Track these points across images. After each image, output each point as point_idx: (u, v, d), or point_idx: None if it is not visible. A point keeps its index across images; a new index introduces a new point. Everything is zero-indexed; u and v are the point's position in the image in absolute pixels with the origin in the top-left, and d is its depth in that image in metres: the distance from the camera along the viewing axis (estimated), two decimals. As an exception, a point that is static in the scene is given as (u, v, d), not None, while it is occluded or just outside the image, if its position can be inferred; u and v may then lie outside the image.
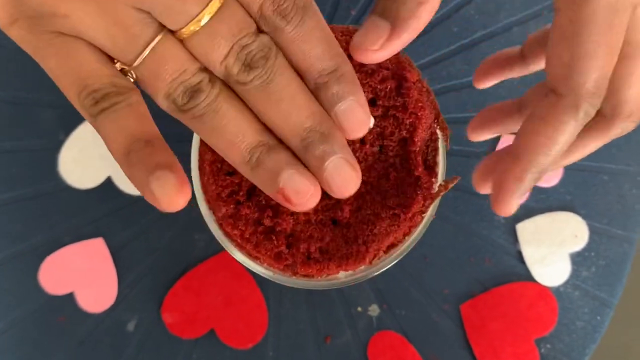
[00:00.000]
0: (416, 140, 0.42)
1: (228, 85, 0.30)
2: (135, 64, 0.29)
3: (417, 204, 0.42)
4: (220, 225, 0.44)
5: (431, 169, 0.43)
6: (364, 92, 0.42)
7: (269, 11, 0.28)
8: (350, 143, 0.43)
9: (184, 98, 0.29)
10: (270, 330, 0.57)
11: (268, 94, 0.29)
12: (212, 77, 0.29)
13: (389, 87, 0.42)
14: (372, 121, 0.33)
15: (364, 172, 0.43)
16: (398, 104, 0.42)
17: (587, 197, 0.59)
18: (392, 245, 0.44)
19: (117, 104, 0.29)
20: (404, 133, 0.42)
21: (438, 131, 0.43)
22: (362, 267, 0.44)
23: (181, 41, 0.29)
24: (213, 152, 0.42)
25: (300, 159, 0.30)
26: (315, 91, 0.30)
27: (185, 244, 0.58)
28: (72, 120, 0.58)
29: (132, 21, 0.28)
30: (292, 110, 0.29)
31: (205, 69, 0.29)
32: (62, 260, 0.57)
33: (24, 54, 0.57)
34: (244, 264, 0.44)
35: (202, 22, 0.28)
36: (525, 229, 0.59)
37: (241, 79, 0.29)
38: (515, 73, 0.44)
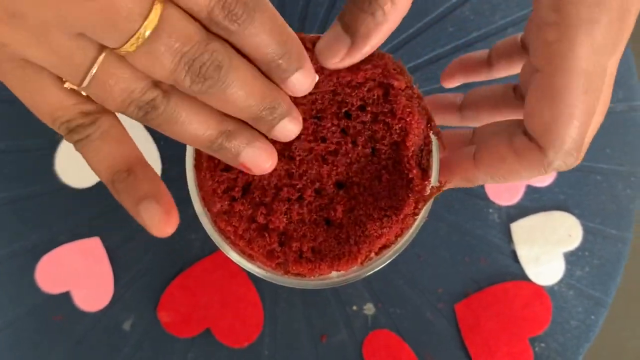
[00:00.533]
0: (409, 144, 0.43)
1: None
2: (83, 86, 0.29)
3: (408, 206, 0.43)
4: (215, 222, 0.44)
5: (424, 171, 0.43)
6: (354, 101, 0.43)
7: (219, 17, 0.28)
8: (343, 144, 0.43)
9: (139, 113, 0.29)
10: (265, 329, 0.58)
11: (225, 95, 0.29)
12: (166, 88, 0.29)
13: (376, 94, 0.42)
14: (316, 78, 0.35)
15: (357, 173, 0.43)
16: (386, 110, 0.42)
17: (580, 196, 0.60)
18: (384, 247, 0.44)
19: (90, 135, 0.30)
20: (395, 137, 0.43)
21: (432, 135, 0.43)
22: (354, 268, 0.44)
23: (124, 58, 0.28)
24: None
25: (256, 128, 0.33)
26: (267, 72, 0.31)
27: (181, 244, 0.58)
28: (68, 120, 0.58)
29: (70, 49, 0.27)
30: (248, 101, 0.30)
31: (155, 84, 0.29)
32: (58, 260, 0.57)
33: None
34: (238, 263, 0.44)
35: (142, 39, 0.27)
36: (520, 229, 0.59)
37: (195, 89, 0.29)
38: (481, 77, 0.45)
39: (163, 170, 0.58)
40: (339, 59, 0.36)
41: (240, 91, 0.30)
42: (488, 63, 0.44)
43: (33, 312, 0.57)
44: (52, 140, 0.58)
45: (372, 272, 0.44)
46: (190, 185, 0.44)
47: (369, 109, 0.43)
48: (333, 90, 0.43)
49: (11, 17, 0.27)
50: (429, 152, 0.44)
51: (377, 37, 0.35)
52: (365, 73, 0.42)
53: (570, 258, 0.59)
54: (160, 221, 0.31)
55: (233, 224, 0.43)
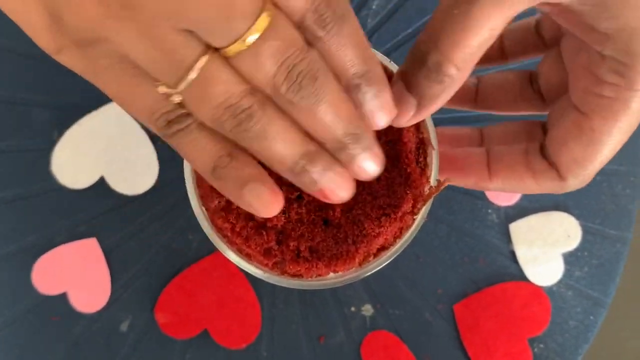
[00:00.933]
0: (405, 140, 0.43)
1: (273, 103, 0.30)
2: (181, 87, 0.28)
3: (406, 203, 0.43)
4: (212, 220, 0.44)
5: (422, 169, 0.43)
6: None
7: (310, 21, 0.28)
8: None
9: (232, 123, 0.29)
10: (263, 330, 0.57)
11: (315, 110, 0.29)
12: (261, 98, 0.29)
13: None
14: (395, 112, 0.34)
15: None
16: None
17: (580, 197, 0.59)
18: (382, 248, 0.44)
19: (190, 125, 0.29)
20: (390, 135, 0.43)
21: (431, 135, 0.43)
22: (352, 269, 0.44)
23: (227, 60, 0.28)
24: None
25: (335, 157, 0.32)
26: (347, 91, 0.31)
27: (179, 244, 0.58)
28: (65, 119, 0.58)
29: (175, 43, 0.27)
30: (335, 121, 0.30)
31: (252, 91, 0.29)
32: (55, 260, 0.57)
33: (17, 54, 0.57)
34: (235, 263, 0.44)
35: (249, 41, 0.27)
36: (519, 229, 0.59)
37: (290, 97, 0.28)
38: (493, 65, 0.45)
39: (160, 170, 0.58)
40: (405, 122, 0.36)
41: (330, 108, 0.29)
42: (501, 52, 0.43)
43: (30, 313, 0.57)
44: (49, 141, 0.58)
45: (370, 272, 0.43)
46: (188, 185, 0.44)
47: None
48: None
49: (124, 8, 0.26)
50: (426, 151, 0.44)
51: (444, 97, 0.34)
52: None
53: (569, 258, 0.59)
54: (268, 201, 0.30)
55: (230, 220, 0.43)
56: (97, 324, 0.57)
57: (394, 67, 0.43)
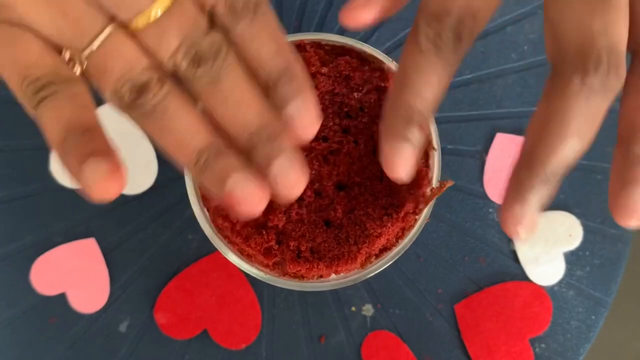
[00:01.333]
0: None
1: (179, 86, 0.29)
2: (84, 55, 0.28)
3: (408, 204, 0.42)
4: (212, 219, 0.44)
5: (424, 171, 0.43)
6: (352, 103, 0.43)
7: (221, 8, 0.28)
8: (345, 143, 0.43)
9: (131, 95, 0.28)
10: (263, 330, 0.57)
11: (216, 91, 0.28)
12: (162, 75, 0.28)
13: (372, 98, 0.42)
14: (319, 119, 0.31)
15: (358, 173, 0.43)
16: (380, 113, 0.42)
17: (581, 196, 0.59)
18: (384, 249, 0.44)
19: (58, 93, 0.29)
20: None
21: (433, 136, 0.43)
22: (354, 270, 0.44)
23: (131, 34, 0.28)
24: None
25: (249, 158, 0.29)
26: (266, 90, 0.30)
27: (178, 244, 0.58)
28: (63, 119, 0.57)
29: (81, 13, 0.27)
30: (240, 109, 0.29)
31: (154, 67, 0.29)
32: (53, 261, 0.57)
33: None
34: (235, 263, 0.44)
35: (153, 16, 0.27)
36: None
37: (189, 74, 0.28)
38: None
39: (160, 170, 0.57)
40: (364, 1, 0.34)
41: (234, 91, 0.28)
42: None
43: (28, 314, 0.57)
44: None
45: (372, 274, 0.43)
46: (188, 184, 0.44)
47: (366, 111, 0.43)
48: (332, 90, 0.43)
49: None
50: (427, 152, 0.44)
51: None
52: (363, 74, 0.42)
53: (571, 258, 0.59)
54: (104, 174, 0.27)
55: (230, 220, 0.43)
56: (96, 325, 0.57)
57: (395, 67, 0.43)
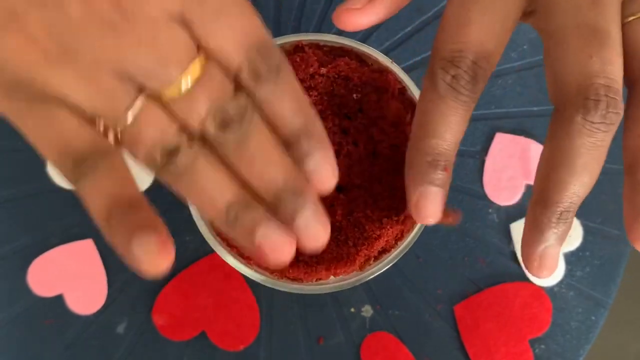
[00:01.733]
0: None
1: (206, 145, 0.30)
2: (119, 127, 0.29)
3: (407, 207, 0.42)
4: (211, 223, 0.44)
5: None
6: (351, 104, 0.43)
7: (246, 72, 0.29)
8: (344, 145, 0.43)
9: (162, 159, 0.29)
10: (262, 331, 0.57)
11: (244, 151, 0.29)
12: (190, 137, 0.29)
13: (372, 99, 0.42)
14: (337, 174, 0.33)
15: (358, 175, 0.43)
16: (379, 115, 0.42)
17: (581, 196, 0.59)
18: (383, 251, 0.44)
19: (98, 166, 0.29)
20: (392, 139, 0.42)
21: None
22: (353, 273, 0.43)
23: (162, 105, 0.29)
24: None
25: (275, 214, 0.30)
26: (286, 146, 0.31)
27: (176, 246, 0.56)
28: (60, 119, 0.57)
29: (113, 84, 0.28)
30: (267, 167, 0.30)
31: (183, 130, 0.29)
32: (50, 262, 0.57)
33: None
34: (233, 266, 0.44)
35: (184, 87, 0.28)
36: (520, 229, 0.58)
37: (217, 137, 0.29)
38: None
39: None
40: (361, 5, 0.36)
41: (260, 150, 0.30)
42: None
43: (24, 315, 0.56)
44: (43, 141, 0.57)
45: (372, 276, 0.43)
46: None
47: (365, 112, 0.43)
48: (331, 91, 0.43)
49: (64, 53, 0.27)
50: None
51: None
52: (362, 75, 0.42)
53: (571, 258, 0.59)
54: (155, 249, 0.28)
55: None
56: (94, 326, 0.57)
57: (395, 68, 0.43)
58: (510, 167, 0.58)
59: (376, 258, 0.43)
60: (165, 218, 0.57)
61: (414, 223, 0.43)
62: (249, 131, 0.29)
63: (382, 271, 0.43)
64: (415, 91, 0.43)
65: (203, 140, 0.29)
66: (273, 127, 0.30)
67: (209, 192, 0.29)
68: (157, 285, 0.57)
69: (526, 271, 0.58)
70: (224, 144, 0.29)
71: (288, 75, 0.30)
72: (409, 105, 0.43)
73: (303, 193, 0.30)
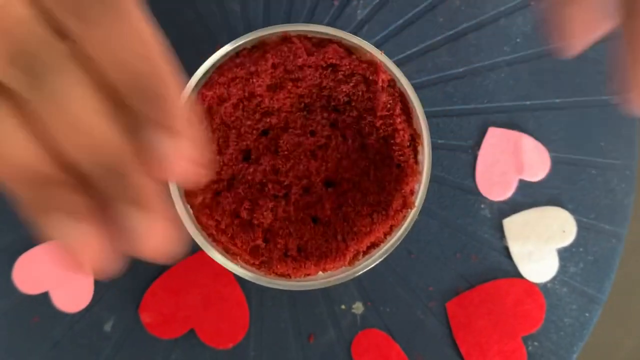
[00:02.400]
0: (397, 140, 0.42)
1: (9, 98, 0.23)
2: None
3: (396, 201, 0.42)
4: (197, 217, 0.43)
5: (413, 167, 0.43)
6: (340, 96, 0.42)
7: (62, 9, 0.22)
8: (333, 138, 0.42)
9: None
10: (251, 329, 0.56)
11: (55, 108, 0.23)
12: None
13: (361, 91, 0.42)
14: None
15: (347, 169, 0.42)
16: (368, 107, 0.42)
17: (574, 191, 0.58)
18: (373, 245, 0.43)
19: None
20: (381, 132, 0.42)
21: (423, 131, 0.43)
22: (343, 268, 0.43)
23: None
24: None
25: (86, 196, 0.24)
26: (119, 110, 0.24)
27: (164, 242, 0.56)
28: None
29: None
30: (85, 131, 0.23)
31: None
32: (36, 259, 0.56)
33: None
34: (220, 262, 0.43)
35: None
36: (512, 225, 0.58)
37: (21, 89, 0.23)
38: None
39: None
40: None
41: (80, 107, 0.23)
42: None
43: (10, 314, 0.55)
44: (28, 135, 0.56)
45: (361, 272, 0.42)
46: (170, 183, 0.43)
47: (354, 104, 0.42)
48: (319, 83, 0.42)
49: None
50: (415, 148, 0.43)
51: None
52: (351, 63, 0.42)
53: (564, 254, 0.58)
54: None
55: (215, 218, 0.42)
56: (80, 324, 0.56)
57: (385, 59, 0.42)
58: (502, 161, 0.58)
59: (365, 253, 0.43)
60: None
61: (403, 218, 0.42)
62: (63, 85, 0.22)
63: (371, 266, 0.43)
64: (405, 84, 0.42)
65: (5, 91, 0.23)
66: (102, 83, 0.23)
67: (4, 148, 0.23)
68: (145, 282, 0.56)
69: (519, 268, 0.58)
70: (30, 99, 0.22)
71: (121, 10, 0.22)
72: (399, 97, 0.42)
73: (128, 180, 0.23)
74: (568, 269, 0.58)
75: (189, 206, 0.43)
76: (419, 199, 0.42)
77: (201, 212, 0.42)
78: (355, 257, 0.43)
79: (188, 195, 0.43)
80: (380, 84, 0.41)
